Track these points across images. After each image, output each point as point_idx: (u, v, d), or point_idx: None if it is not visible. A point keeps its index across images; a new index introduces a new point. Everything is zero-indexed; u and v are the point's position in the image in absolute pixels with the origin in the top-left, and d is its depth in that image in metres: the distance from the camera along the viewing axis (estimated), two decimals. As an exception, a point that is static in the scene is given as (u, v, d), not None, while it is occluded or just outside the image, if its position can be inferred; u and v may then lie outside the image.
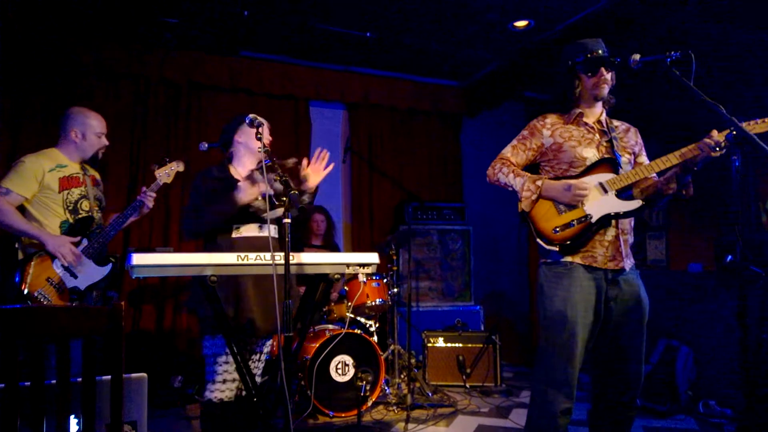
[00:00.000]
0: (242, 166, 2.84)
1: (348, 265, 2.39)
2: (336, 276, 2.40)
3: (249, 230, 2.71)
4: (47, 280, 2.92)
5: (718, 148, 2.30)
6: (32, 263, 2.92)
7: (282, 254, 2.12)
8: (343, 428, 3.92)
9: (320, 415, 4.06)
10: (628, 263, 2.58)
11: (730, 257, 3.98)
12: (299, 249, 2.73)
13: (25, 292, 2.86)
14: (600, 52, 2.59)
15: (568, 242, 2.48)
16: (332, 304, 4.71)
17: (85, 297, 3.04)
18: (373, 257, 2.43)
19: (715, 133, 2.32)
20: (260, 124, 2.43)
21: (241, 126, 2.82)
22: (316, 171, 2.85)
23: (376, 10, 4.73)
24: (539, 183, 2.56)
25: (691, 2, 4.16)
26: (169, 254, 2.10)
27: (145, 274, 2.06)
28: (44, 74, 5.02)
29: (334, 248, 5.39)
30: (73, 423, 1.56)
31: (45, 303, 2.87)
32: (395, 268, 4.86)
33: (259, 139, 2.39)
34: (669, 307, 4.77)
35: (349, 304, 4.57)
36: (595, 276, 2.50)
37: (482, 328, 5.77)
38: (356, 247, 6.16)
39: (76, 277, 2.99)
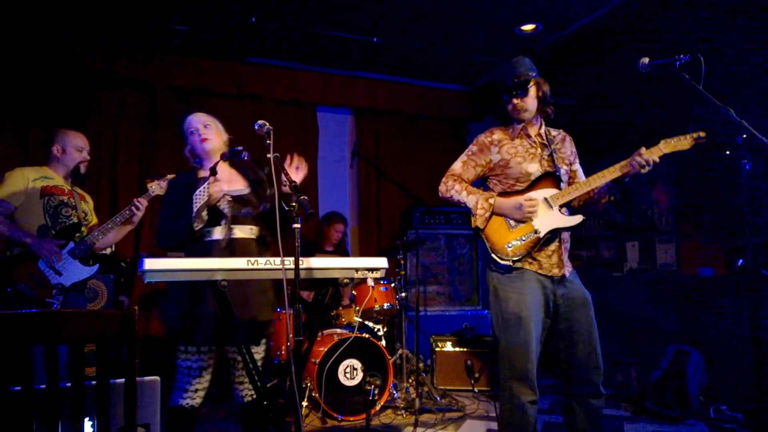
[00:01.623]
0: (204, 169, 2.79)
1: (357, 270, 2.39)
2: (345, 280, 2.40)
3: (219, 233, 2.63)
4: (30, 275, 3.09)
5: (647, 166, 2.54)
6: (18, 262, 3.11)
7: (292, 259, 2.12)
8: (351, 432, 3.92)
9: (329, 419, 4.07)
10: (568, 269, 2.79)
11: (741, 261, 3.97)
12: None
13: (8, 288, 3.04)
14: (520, 77, 2.73)
15: (521, 256, 2.69)
16: (340, 308, 4.72)
17: (68, 293, 3.19)
18: (382, 261, 2.43)
19: (643, 149, 2.55)
20: (269, 131, 2.42)
21: (183, 132, 2.83)
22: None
23: (382, 16, 4.75)
24: (492, 201, 2.74)
25: (700, 4, 4.16)
26: (180, 259, 2.11)
27: (157, 278, 2.07)
28: (53, 81, 5.07)
29: (345, 254, 5.40)
30: (88, 425, 1.57)
31: (27, 296, 3.05)
32: (403, 273, 4.86)
33: (269, 146, 2.38)
34: (679, 312, 4.75)
35: (358, 308, 4.57)
36: (542, 279, 2.71)
37: (490, 333, 5.76)
38: (363, 252, 6.18)
39: (61, 274, 3.15)
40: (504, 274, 2.74)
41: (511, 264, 2.69)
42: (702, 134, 2.50)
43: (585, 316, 2.73)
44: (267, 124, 2.37)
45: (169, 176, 3.28)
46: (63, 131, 3.46)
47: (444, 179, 2.90)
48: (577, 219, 2.71)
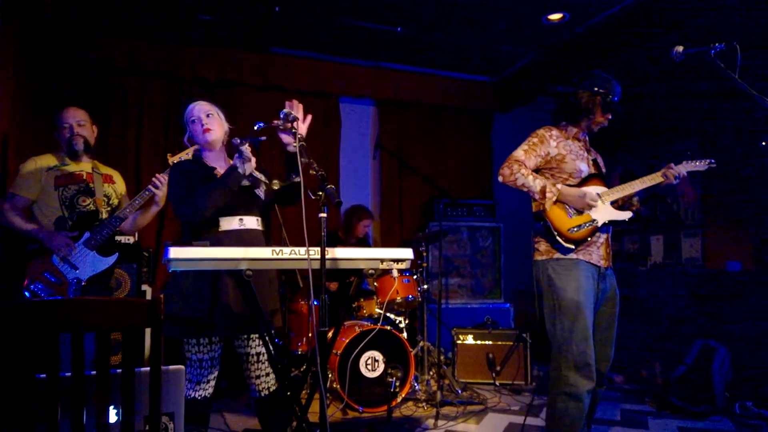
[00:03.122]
0: (209, 159, 2.78)
1: (382, 261, 2.36)
2: (370, 271, 2.38)
3: (230, 224, 2.62)
4: (45, 273, 2.97)
5: (678, 178, 2.92)
6: (32, 258, 3.00)
7: (317, 248, 2.10)
8: (372, 423, 3.91)
9: (350, 410, 4.07)
10: (610, 262, 2.99)
11: (772, 254, 3.88)
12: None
13: (23, 285, 2.93)
14: (618, 96, 2.96)
15: (581, 241, 2.85)
16: (362, 300, 4.71)
17: (86, 288, 3.05)
18: (407, 252, 2.40)
19: (672, 165, 2.93)
20: (294, 119, 2.42)
21: (184, 120, 2.78)
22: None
23: (407, 5, 4.70)
24: (558, 187, 2.89)
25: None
26: (205, 248, 2.11)
27: (182, 267, 2.07)
28: (78, 72, 5.10)
29: (366, 246, 5.39)
30: (113, 413, 1.58)
31: (42, 296, 2.92)
32: (425, 265, 4.83)
33: (294, 134, 2.37)
34: (705, 307, 4.66)
35: (380, 300, 4.55)
36: (592, 270, 2.87)
37: (512, 326, 5.72)
38: (385, 244, 6.16)
39: (76, 268, 3.03)
40: (559, 263, 2.85)
41: (573, 248, 2.82)
42: (714, 162, 3.01)
43: (611, 310, 2.93)
44: (292, 112, 2.36)
45: (193, 149, 3.02)
46: (60, 112, 3.29)
47: (507, 163, 2.94)
48: (627, 214, 2.94)
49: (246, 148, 2.58)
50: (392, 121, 6.34)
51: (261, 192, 2.75)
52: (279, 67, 5.74)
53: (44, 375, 1.42)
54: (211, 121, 2.72)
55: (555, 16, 4.82)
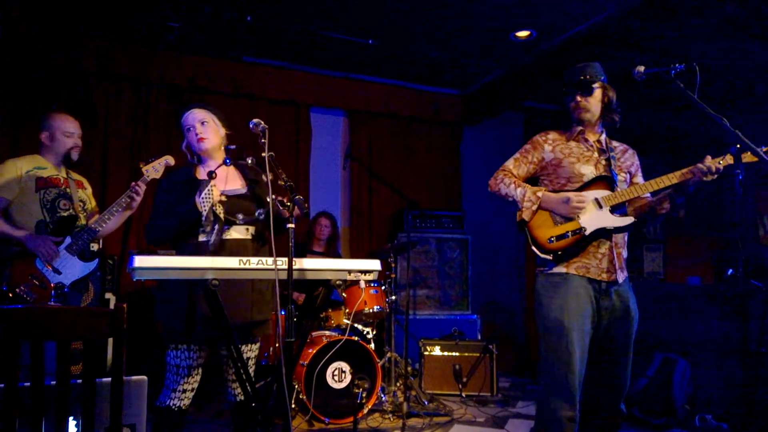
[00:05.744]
0: (208, 165, 2.76)
1: (350, 272, 2.37)
2: (337, 282, 2.38)
3: (211, 233, 2.57)
4: (30, 276, 2.96)
5: (710, 174, 2.43)
6: (15, 261, 2.98)
7: (285, 259, 2.10)
8: (338, 435, 3.90)
9: (316, 421, 4.04)
10: (621, 276, 2.67)
11: (730, 271, 3.99)
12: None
13: (6, 289, 2.93)
14: (587, 76, 2.70)
15: (561, 252, 2.60)
16: (330, 310, 4.69)
17: (68, 294, 3.05)
18: (375, 264, 2.41)
19: (708, 158, 2.45)
20: (264, 130, 2.41)
21: (181, 127, 2.77)
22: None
23: (379, 18, 4.74)
24: (539, 194, 2.68)
25: (695, 16, 4.19)
26: (170, 257, 2.09)
27: (147, 276, 2.05)
28: (46, 77, 5.01)
29: (336, 256, 5.36)
30: (72, 425, 1.55)
31: (27, 299, 2.92)
32: (393, 276, 4.85)
33: (263, 144, 2.37)
34: (666, 320, 4.76)
35: (348, 310, 4.55)
36: (589, 285, 2.61)
37: (479, 337, 5.76)
38: (354, 254, 6.16)
39: (60, 273, 3.03)
40: (548, 279, 2.65)
41: (550, 258, 2.60)
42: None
43: (623, 331, 2.65)
44: (262, 122, 2.35)
45: (165, 158, 3.08)
46: (51, 115, 3.29)
47: (495, 174, 2.84)
48: (627, 220, 2.61)
49: (212, 183, 2.64)
50: (363, 132, 6.36)
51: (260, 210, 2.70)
52: (250, 75, 5.72)
53: (2, 385, 1.39)
54: (205, 130, 2.70)
55: (522, 34, 4.91)
